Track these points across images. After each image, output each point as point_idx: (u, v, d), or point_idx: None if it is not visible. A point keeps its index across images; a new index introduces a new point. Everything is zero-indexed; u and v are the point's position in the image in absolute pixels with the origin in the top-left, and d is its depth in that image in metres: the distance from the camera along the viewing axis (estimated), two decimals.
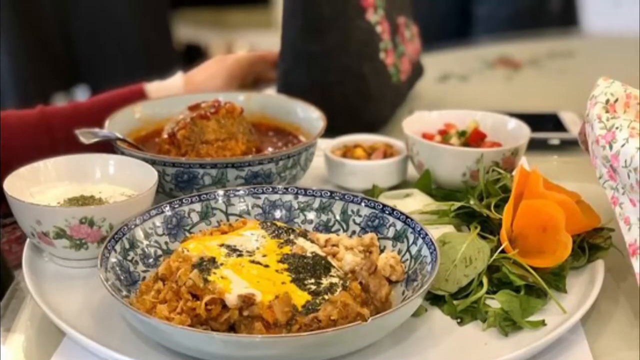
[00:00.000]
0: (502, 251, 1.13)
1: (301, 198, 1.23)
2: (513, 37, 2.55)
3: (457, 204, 1.25)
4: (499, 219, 1.17)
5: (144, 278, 1.11)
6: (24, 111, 1.48)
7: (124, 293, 1.05)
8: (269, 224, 1.15)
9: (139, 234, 1.14)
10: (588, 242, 1.19)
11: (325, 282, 1.04)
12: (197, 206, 1.20)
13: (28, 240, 1.21)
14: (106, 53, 3.55)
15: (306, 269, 1.05)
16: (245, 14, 4.67)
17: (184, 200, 1.20)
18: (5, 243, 1.34)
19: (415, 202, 1.29)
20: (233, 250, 1.08)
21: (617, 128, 1.05)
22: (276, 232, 1.13)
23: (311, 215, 1.22)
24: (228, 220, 1.21)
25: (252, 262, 1.05)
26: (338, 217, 1.21)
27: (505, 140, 1.40)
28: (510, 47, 2.40)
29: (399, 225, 1.16)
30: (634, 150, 1.02)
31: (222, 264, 1.04)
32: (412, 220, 1.15)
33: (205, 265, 1.03)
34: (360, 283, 1.07)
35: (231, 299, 0.98)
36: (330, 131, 1.41)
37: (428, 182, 1.36)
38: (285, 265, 1.05)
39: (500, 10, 3.22)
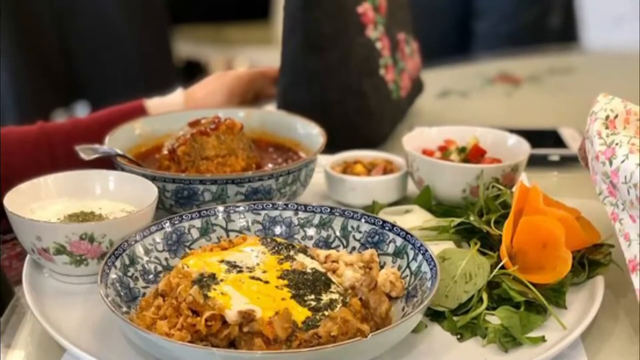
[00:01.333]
0: (502, 267, 1.13)
1: (301, 214, 1.23)
2: (513, 53, 2.55)
3: (457, 220, 1.25)
4: (499, 235, 1.17)
5: (144, 294, 1.11)
6: (23, 127, 1.48)
7: (124, 309, 1.05)
8: (269, 240, 1.15)
9: (139, 250, 1.14)
10: (588, 258, 1.18)
11: (325, 298, 1.03)
12: (197, 222, 1.20)
13: (28, 256, 1.21)
14: (106, 69, 3.55)
15: (306, 285, 1.05)
16: (245, 30, 4.67)
17: (184, 217, 1.20)
18: (6, 259, 1.34)
19: (415, 218, 1.30)
20: (233, 266, 1.08)
21: (617, 144, 1.05)
22: (276, 248, 1.13)
23: (311, 232, 1.22)
24: (228, 236, 1.21)
25: (252, 278, 1.05)
26: (338, 233, 1.21)
27: (505, 156, 1.40)
28: (510, 63, 2.40)
29: (399, 241, 1.16)
30: (633, 167, 1.02)
31: (222, 280, 1.04)
32: (412, 236, 1.15)
33: (205, 281, 1.03)
34: (360, 299, 1.07)
35: (231, 315, 0.98)
36: (330, 147, 1.41)
37: (428, 198, 1.36)
38: (285, 282, 1.05)
39: (500, 26, 3.22)
